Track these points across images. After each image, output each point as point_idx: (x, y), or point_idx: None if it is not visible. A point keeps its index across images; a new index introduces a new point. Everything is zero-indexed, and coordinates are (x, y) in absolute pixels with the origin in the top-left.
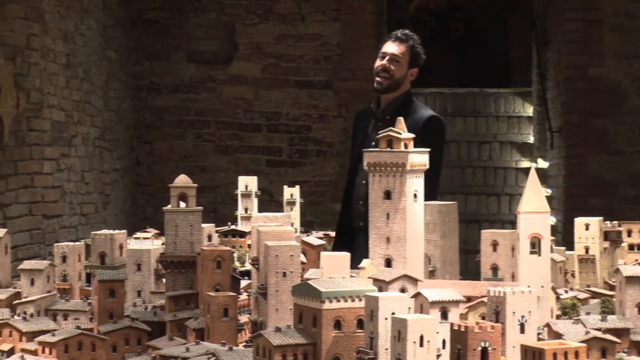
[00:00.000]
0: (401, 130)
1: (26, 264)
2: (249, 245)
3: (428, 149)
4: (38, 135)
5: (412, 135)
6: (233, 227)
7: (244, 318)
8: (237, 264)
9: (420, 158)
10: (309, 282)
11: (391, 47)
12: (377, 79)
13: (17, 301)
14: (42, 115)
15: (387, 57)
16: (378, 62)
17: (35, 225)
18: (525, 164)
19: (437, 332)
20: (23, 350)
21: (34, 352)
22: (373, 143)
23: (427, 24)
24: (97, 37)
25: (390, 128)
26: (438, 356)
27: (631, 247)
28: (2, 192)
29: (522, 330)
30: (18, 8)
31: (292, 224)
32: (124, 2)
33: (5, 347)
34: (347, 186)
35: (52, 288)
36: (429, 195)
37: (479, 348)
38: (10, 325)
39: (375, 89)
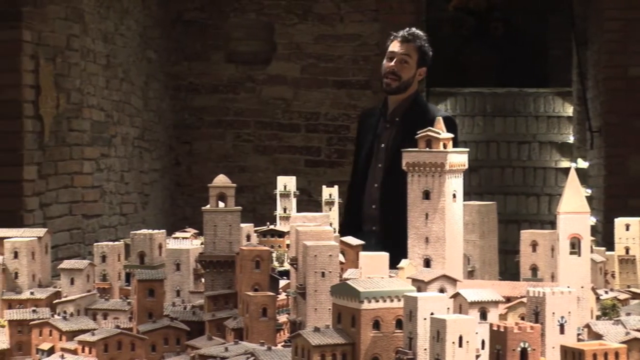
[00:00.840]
0: (440, 130)
1: (66, 264)
2: (288, 245)
3: (466, 150)
4: (78, 136)
5: (451, 135)
6: (272, 227)
7: (282, 318)
8: (275, 263)
9: (459, 158)
10: (348, 282)
11: (399, 47)
12: (386, 80)
13: (57, 300)
14: (82, 115)
15: (395, 58)
16: (386, 63)
17: (75, 225)
18: (565, 164)
19: (476, 333)
20: (63, 349)
21: (74, 352)
22: (383, 145)
23: (466, 23)
24: (136, 38)
25: (429, 128)
26: (477, 357)
27: None
28: (42, 192)
29: (562, 331)
30: (58, 9)
31: (330, 224)
32: (164, 3)
33: (45, 346)
34: (353, 187)
35: (91, 287)
36: None
37: (519, 349)
38: (50, 325)
39: (384, 90)
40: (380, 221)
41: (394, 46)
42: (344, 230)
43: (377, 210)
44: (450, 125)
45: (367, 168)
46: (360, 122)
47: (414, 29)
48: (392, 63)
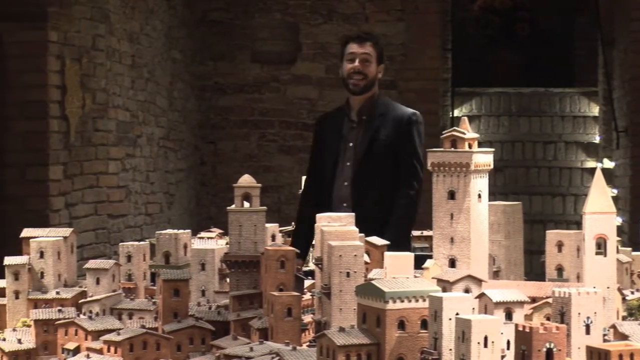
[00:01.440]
0: (465, 130)
1: (92, 263)
2: (313, 245)
3: (492, 150)
4: (103, 136)
5: (476, 135)
6: None
7: (307, 318)
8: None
9: (484, 158)
10: (373, 282)
11: (358, 48)
12: (352, 80)
13: (82, 300)
14: (107, 115)
15: (357, 59)
16: (348, 65)
17: (101, 225)
18: (590, 164)
19: (502, 333)
20: (88, 349)
21: (99, 351)
22: (351, 144)
23: (492, 23)
24: (162, 38)
25: (454, 128)
26: (502, 357)
27: None
28: (68, 191)
29: (588, 332)
30: (84, 9)
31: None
32: (189, 3)
33: (71, 345)
34: (314, 187)
35: (117, 287)
36: (419, 186)
37: (544, 349)
38: (76, 324)
39: (352, 92)
40: (353, 195)
41: (352, 47)
42: (298, 225)
43: (349, 208)
44: (420, 119)
45: (334, 168)
46: (320, 126)
47: (363, 29)
48: (356, 63)
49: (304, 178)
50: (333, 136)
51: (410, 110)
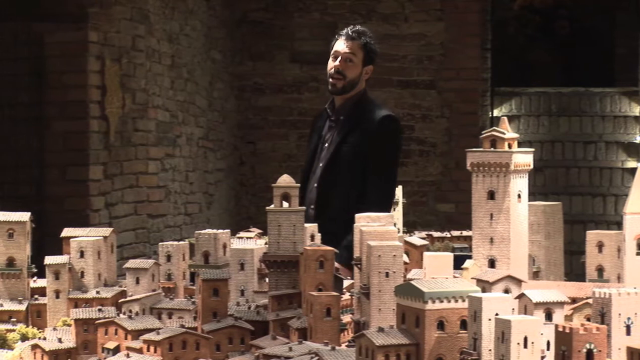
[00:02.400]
0: (505, 130)
1: (131, 263)
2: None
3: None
4: (143, 136)
5: (516, 135)
6: None
7: (346, 318)
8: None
9: (524, 158)
10: (412, 282)
11: (343, 46)
12: (331, 80)
13: (122, 300)
14: (147, 115)
15: (339, 57)
16: (331, 63)
17: (141, 225)
18: (631, 164)
19: (541, 334)
20: (128, 348)
21: (139, 350)
22: (326, 145)
23: (532, 22)
24: (201, 38)
25: (494, 128)
26: (542, 358)
27: None
28: (108, 191)
29: (628, 332)
30: (124, 9)
31: (394, 224)
32: (228, 3)
33: (111, 345)
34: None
35: (156, 287)
36: (384, 194)
37: (584, 350)
38: (116, 324)
39: (330, 91)
40: (315, 222)
41: (339, 45)
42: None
43: (314, 210)
44: (392, 123)
45: (310, 170)
46: (312, 125)
47: (359, 27)
48: (337, 62)
49: None
50: (315, 135)
51: (384, 114)
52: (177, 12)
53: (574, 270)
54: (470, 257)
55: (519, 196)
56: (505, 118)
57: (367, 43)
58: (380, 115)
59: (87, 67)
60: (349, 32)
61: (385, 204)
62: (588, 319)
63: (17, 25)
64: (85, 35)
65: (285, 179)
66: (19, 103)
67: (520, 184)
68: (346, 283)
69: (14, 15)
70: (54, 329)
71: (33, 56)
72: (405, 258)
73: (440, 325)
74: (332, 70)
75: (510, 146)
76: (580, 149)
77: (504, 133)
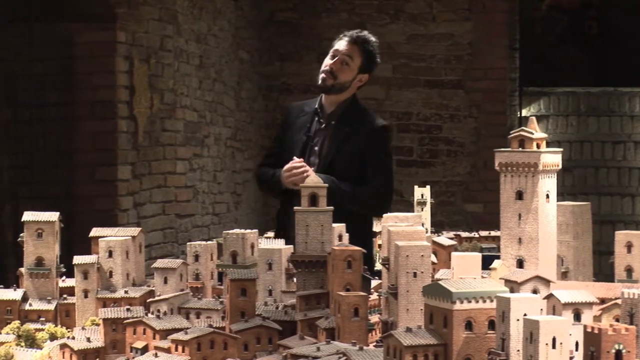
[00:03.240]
0: (533, 130)
1: (159, 263)
2: (380, 245)
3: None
4: (171, 136)
5: (545, 135)
6: None
7: (374, 318)
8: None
9: (552, 158)
10: (440, 282)
11: (344, 47)
12: (322, 75)
13: (150, 299)
14: (175, 115)
15: (337, 57)
16: (328, 61)
17: (169, 225)
18: None
19: (570, 334)
20: (156, 347)
21: (167, 350)
22: (316, 148)
23: (560, 22)
24: (229, 38)
25: (522, 128)
26: (571, 358)
27: None
28: (136, 191)
29: None
30: (152, 10)
31: (422, 224)
32: (256, 4)
33: (139, 344)
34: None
35: (184, 286)
36: (387, 191)
37: (613, 350)
38: (144, 323)
39: (318, 86)
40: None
41: (340, 45)
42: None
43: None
44: (392, 133)
45: (285, 161)
46: (287, 116)
47: (365, 32)
48: (333, 61)
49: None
50: (299, 132)
51: (382, 121)
52: (205, 12)
53: (603, 271)
54: (498, 257)
55: (548, 196)
56: (534, 118)
57: (368, 51)
58: (381, 124)
59: (115, 68)
60: (354, 35)
61: (387, 200)
62: (617, 320)
63: (46, 26)
64: (114, 35)
65: (313, 179)
66: (48, 103)
67: (548, 184)
68: (374, 283)
69: (43, 16)
70: (83, 328)
71: (62, 57)
72: (433, 258)
73: (468, 326)
74: (326, 67)
75: (538, 146)
76: (609, 148)
77: (532, 133)
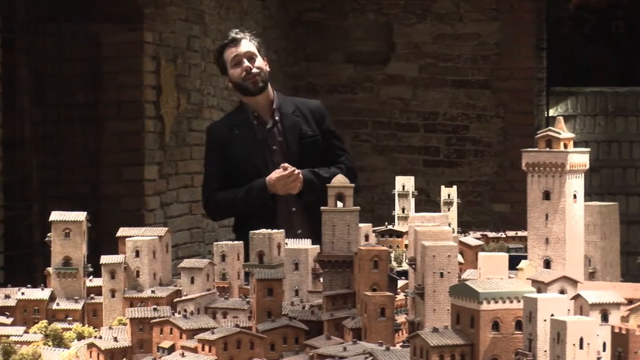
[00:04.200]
0: (560, 129)
1: (186, 263)
2: (406, 245)
3: (587, 149)
4: (198, 136)
5: (572, 135)
6: (390, 227)
7: (401, 318)
8: (394, 264)
9: (580, 158)
10: (467, 282)
11: (241, 48)
12: (251, 81)
13: (177, 299)
14: (202, 115)
15: (244, 58)
16: (237, 69)
17: (195, 224)
18: None
19: (597, 335)
20: (183, 347)
21: (194, 350)
22: (274, 147)
23: (588, 22)
24: None
25: (550, 128)
26: (598, 359)
27: None
28: (163, 191)
29: None
30: (179, 10)
31: (449, 224)
32: (283, 4)
33: (166, 344)
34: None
35: (211, 286)
36: (352, 161)
37: None
38: (171, 323)
39: (253, 92)
40: (308, 220)
41: (232, 52)
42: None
43: (301, 212)
44: (325, 110)
45: (260, 173)
46: (215, 135)
47: (236, 30)
48: (245, 63)
49: (397, 178)
50: (249, 143)
51: (315, 100)
52: (232, 12)
53: (631, 271)
54: (525, 257)
55: (575, 196)
56: (561, 118)
57: (252, 38)
58: (317, 103)
59: (142, 68)
60: (235, 36)
61: (356, 173)
62: None
63: (74, 26)
64: (141, 35)
65: (340, 179)
66: (75, 103)
67: (576, 184)
68: (400, 283)
69: (70, 16)
70: (110, 328)
71: (89, 57)
72: (460, 258)
73: (495, 326)
74: (245, 72)
75: (566, 146)
76: (637, 148)
77: (559, 133)
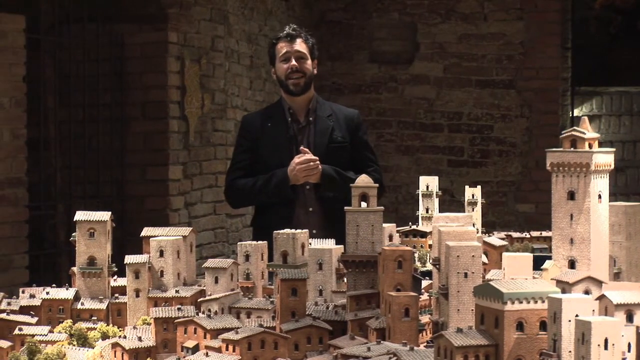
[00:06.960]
0: (585, 129)
1: (210, 263)
2: (430, 246)
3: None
4: (222, 136)
5: (597, 135)
6: (414, 227)
7: (425, 318)
8: (418, 264)
9: (605, 158)
10: (491, 283)
11: (290, 46)
12: (291, 81)
13: (201, 299)
14: (226, 115)
15: (292, 57)
16: (284, 65)
17: (219, 224)
18: None
19: (622, 335)
20: (207, 347)
21: (218, 349)
22: (302, 147)
23: (614, 21)
24: None
25: (574, 128)
26: (623, 359)
27: None
28: (187, 191)
29: None
30: (203, 10)
31: (473, 225)
32: (307, 4)
33: (190, 344)
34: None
35: (235, 286)
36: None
37: None
38: (195, 323)
39: (292, 93)
40: (325, 220)
41: (284, 47)
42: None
43: (318, 211)
44: (362, 120)
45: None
46: (250, 126)
47: (294, 25)
48: (292, 62)
49: (421, 178)
50: (279, 138)
51: (353, 109)
52: (256, 12)
53: None
54: (550, 257)
55: (600, 197)
56: (586, 118)
57: (308, 38)
58: (354, 112)
59: (167, 68)
60: (289, 33)
61: (382, 182)
62: None
63: (98, 26)
64: (165, 36)
65: (364, 179)
66: (100, 104)
67: (600, 185)
68: (425, 283)
69: (95, 17)
70: (134, 327)
71: (114, 57)
72: (484, 258)
73: (520, 326)
74: (290, 70)
75: (590, 146)
76: None
77: (584, 133)
